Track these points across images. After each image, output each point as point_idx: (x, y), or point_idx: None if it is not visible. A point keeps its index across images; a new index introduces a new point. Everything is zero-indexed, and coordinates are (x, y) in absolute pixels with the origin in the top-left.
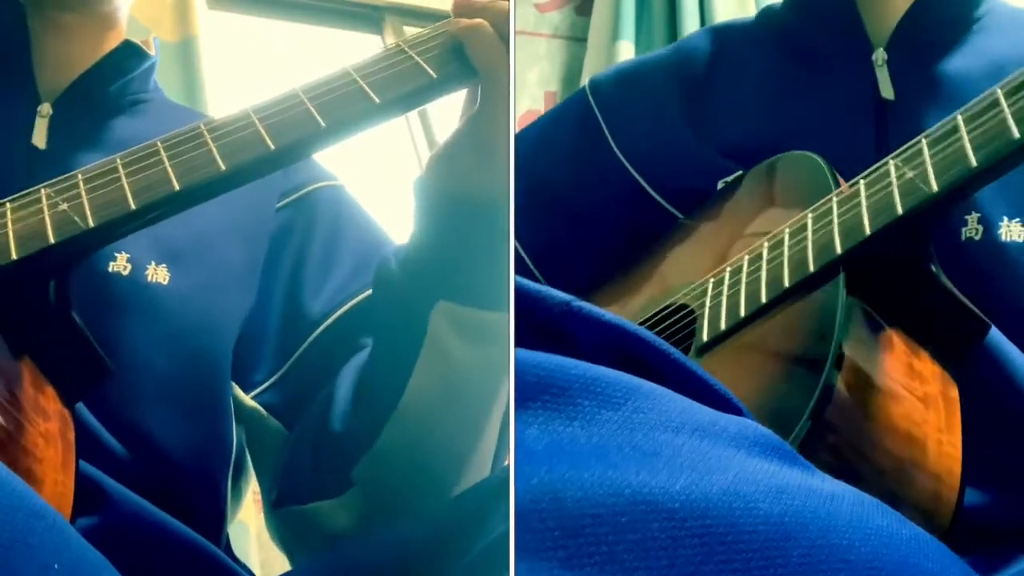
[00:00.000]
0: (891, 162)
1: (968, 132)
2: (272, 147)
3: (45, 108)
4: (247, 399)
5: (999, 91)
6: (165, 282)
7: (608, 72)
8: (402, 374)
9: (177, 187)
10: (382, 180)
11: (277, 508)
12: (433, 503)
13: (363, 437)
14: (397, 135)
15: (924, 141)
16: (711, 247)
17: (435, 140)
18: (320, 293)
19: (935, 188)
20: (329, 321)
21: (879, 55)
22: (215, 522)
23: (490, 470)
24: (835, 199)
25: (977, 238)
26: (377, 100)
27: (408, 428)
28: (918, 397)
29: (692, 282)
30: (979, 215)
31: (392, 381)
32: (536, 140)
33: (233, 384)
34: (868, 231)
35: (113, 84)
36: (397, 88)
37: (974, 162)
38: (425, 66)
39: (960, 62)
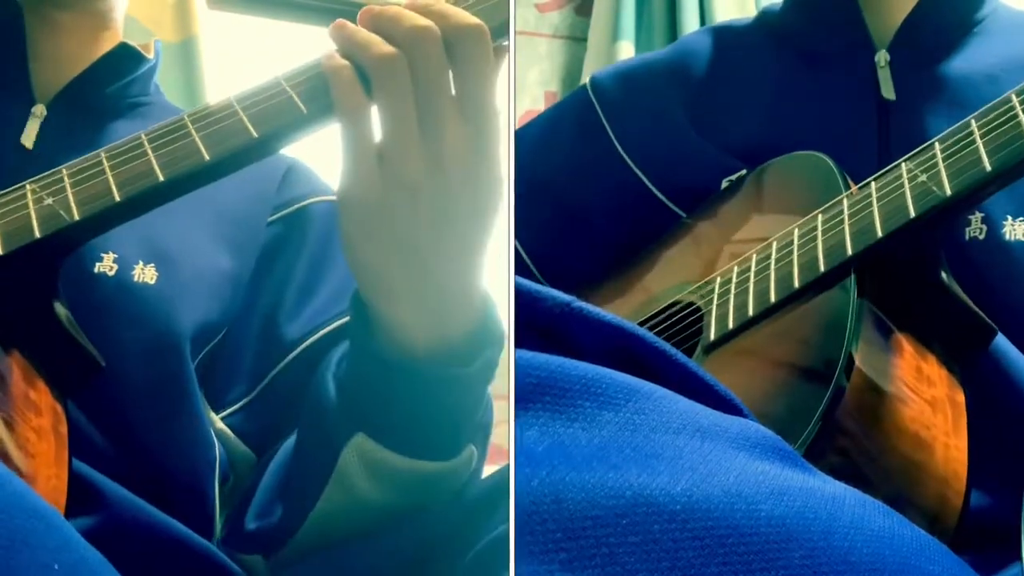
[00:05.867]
0: (903, 164)
1: (982, 136)
2: (255, 135)
3: (39, 109)
4: (216, 420)
5: (1014, 96)
6: (152, 282)
7: (609, 70)
8: (312, 496)
9: (162, 178)
10: None
11: (222, 546)
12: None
13: (273, 541)
14: None
15: (937, 144)
16: (714, 247)
17: None
18: (297, 317)
19: (948, 192)
20: (302, 347)
21: (882, 56)
22: (203, 526)
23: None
24: (846, 200)
25: (981, 237)
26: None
27: (318, 541)
28: (926, 400)
29: (692, 282)
30: (983, 214)
31: (303, 498)
32: (536, 138)
33: (205, 403)
34: (880, 233)
35: (110, 86)
36: None
37: (988, 167)
38: None
39: (962, 64)
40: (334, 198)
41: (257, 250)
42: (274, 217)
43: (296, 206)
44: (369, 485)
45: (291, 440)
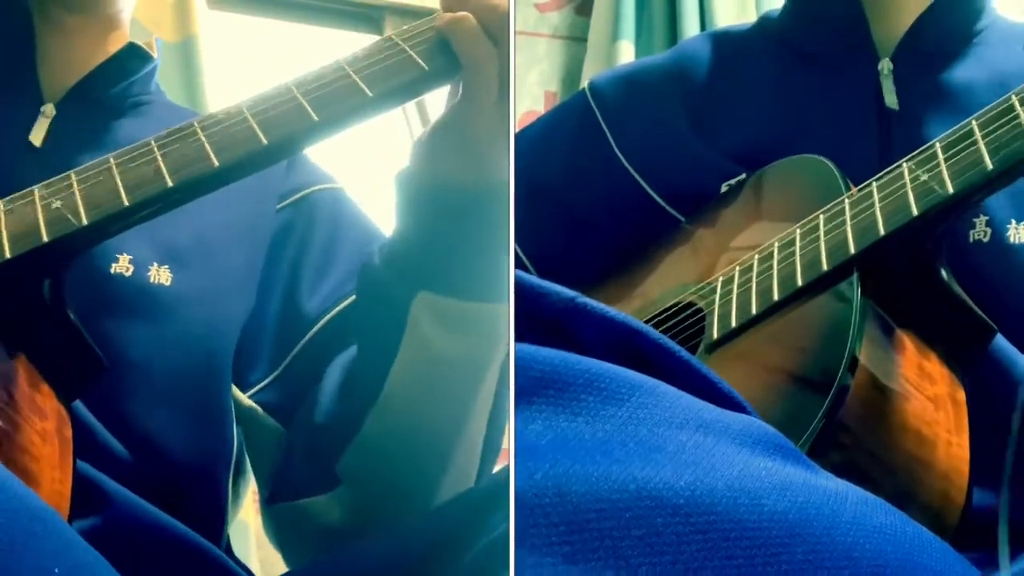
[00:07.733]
0: (905, 165)
1: (983, 136)
2: (265, 142)
3: (48, 109)
4: (244, 398)
5: (1014, 97)
6: (168, 283)
7: (608, 74)
8: (384, 365)
9: (170, 183)
10: (381, 177)
11: (271, 504)
12: (419, 498)
13: (345, 428)
14: (395, 129)
15: (938, 145)
16: (714, 251)
17: None
18: (316, 293)
19: (950, 190)
20: (324, 320)
21: (885, 65)
22: (216, 522)
23: (478, 465)
24: (847, 200)
25: (985, 240)
26: (369, 93)
27: (390, 418)
28: (928, 397)
29: (694, 284)
30: (987, 218)
31: (374, 372)
32: (535, 142)
33: (232, 389)
34: (883, 231)
35: (116, 86)
36: (389, 80)
37: (990, 165)
38: (417, 58)
39: (963, 73)
40: (336, 186)
41: (268, 238)
42: (282, 204)
43: (302, 193)
44: (443, 336)
45: (349, 351)
